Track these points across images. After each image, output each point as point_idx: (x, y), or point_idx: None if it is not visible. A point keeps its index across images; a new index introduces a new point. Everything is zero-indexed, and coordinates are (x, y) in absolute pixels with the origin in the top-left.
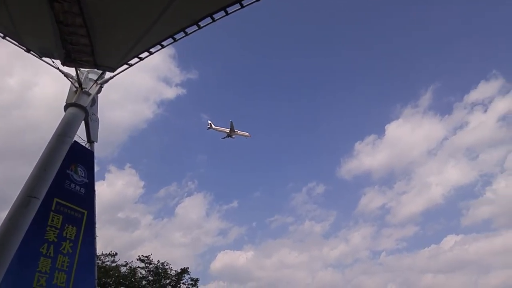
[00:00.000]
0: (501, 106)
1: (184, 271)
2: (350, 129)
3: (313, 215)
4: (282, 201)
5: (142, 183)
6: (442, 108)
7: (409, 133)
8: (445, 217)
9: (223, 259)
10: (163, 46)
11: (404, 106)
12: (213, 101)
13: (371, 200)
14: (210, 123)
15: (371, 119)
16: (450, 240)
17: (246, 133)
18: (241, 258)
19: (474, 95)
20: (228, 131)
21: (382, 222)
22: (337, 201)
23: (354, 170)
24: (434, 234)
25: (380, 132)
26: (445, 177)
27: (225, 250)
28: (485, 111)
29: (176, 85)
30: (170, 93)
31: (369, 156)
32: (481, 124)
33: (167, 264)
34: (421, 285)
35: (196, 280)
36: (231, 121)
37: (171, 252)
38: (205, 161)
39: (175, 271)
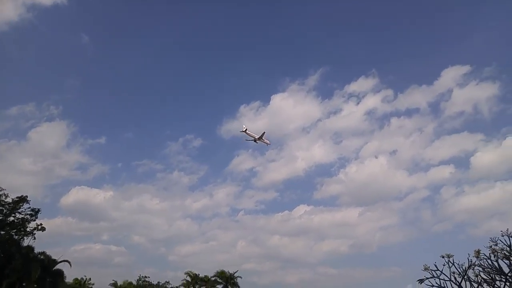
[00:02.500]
0: (370, 102)
1: (22, 199)
2: (239, 91)
3: (184, 167)
4: (155, 147)
5: None
6: (324, 92)
7: (290, 107)
8: (302, 188)
9: (77, 195)
10: None
11: (293, 81)
12: (98, 20)
13: (242, 162)
14: (245, 128)
15: (261, 86)
16: (301, 209)
17: (268, 141)
18: (98, 196)
19: (353, 86)
20: (257, 137)
21: (247, 184)
22: (211, 157)
23: (233, 131)
24: (289, 201)
25: (265, 100)
26: (311, 154)
27: (81, 186)
28: (358, 103)
29: None
30: None
31: (250, 121)
32: (351, 114)
33: (1, 189)
34: (268, 244)
35: (37, 211)
36: (264, 132)
37: (14, 178)
38: (76, 87)
39: (11, 198)
